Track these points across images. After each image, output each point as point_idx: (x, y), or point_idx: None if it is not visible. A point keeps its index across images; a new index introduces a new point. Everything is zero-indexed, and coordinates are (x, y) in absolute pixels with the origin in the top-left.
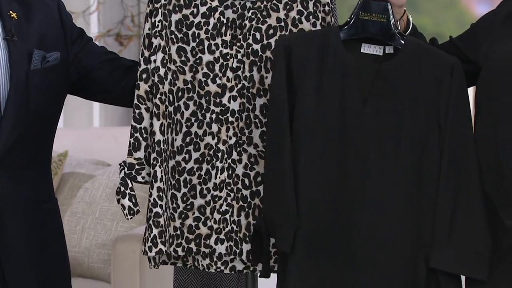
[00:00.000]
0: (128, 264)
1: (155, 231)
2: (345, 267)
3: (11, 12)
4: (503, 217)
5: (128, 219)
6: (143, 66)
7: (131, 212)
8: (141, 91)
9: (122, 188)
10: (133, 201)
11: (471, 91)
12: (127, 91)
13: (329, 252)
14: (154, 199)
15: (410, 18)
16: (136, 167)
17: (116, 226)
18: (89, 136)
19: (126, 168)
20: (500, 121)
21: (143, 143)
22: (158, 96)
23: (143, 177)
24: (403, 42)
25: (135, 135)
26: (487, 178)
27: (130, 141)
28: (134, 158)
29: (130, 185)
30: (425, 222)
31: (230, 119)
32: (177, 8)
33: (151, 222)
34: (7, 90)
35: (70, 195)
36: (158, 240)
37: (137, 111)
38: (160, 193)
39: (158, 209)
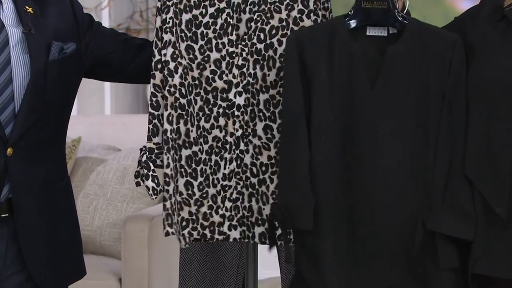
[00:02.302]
0: (137, 242)
1: (163, 214)
2: (354, 233)
3: (27, 7)
4: (493, 206)
5: (153, 198)
6: (157, 57)
7: (155, 192)
8: (156, 80)
9: (145, 171)
10: (156, 181)
11: None
12: (140, 68)
13: (341, 221)
14: (152, 186)
15: (407, 3)
16: (156, 151)
17: (126, 207)
18: (101, 123)
19: (147, 153)
20: (494, 118)
21: (161, 129)
22: (167, 88)
23: (161, 161)
24: (406, 23)
25: (154, 121)
26: (479, 170)
27: (149, 127)
28: (153, 143)
29: (152, 167)
30: (422, 188)
31: (236, 113)
32: (187, 8)
33: (162, 205)
34: (27, 80)
35: (83, 178)
36: (166, 223)
37: (154, 99)
38: (166, 179)
39: (165, 194)
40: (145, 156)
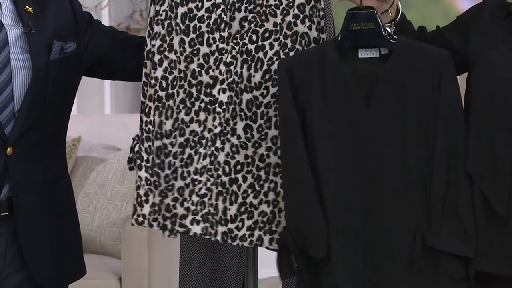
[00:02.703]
0: (137, 241)
1: (135, 201)
2: (368, 256)
3: (27, 7)
4: (494, 205)
5: (146, 189)
6: (149, 46)
7: (148, 183)
8: (148, 69)
9: (138, 161)
10: (150, 172)
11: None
12: (140, 66)
13: (351, 244)
14: (145, 176)
15: (400, 6)
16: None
17: (126, 206)
18: (101, 123)
19: (140, 142)
20: (496, 116)
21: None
22: (149, 79)
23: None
24: (394, 43)
25: (145, 110)
26: (481, 168)
27: (141, 116)
28: None
29: (145, 158)
30: (421, 203)
31: (218, 109)
32: (184, 1)
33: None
34: (27, 80)
35: (83, 177)
36: (132, 211)
37: (145, 88)
38: (149, 170)
39: (149, 185)
40: (138, 145)
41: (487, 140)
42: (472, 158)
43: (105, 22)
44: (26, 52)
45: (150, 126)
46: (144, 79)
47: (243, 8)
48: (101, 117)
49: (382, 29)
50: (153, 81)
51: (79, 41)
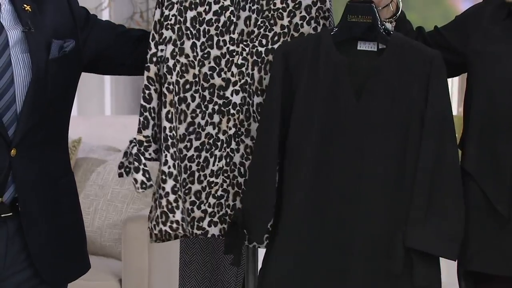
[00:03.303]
0: (137, 243)
1: (158, 212)
2: (324, 248)
3: (25, 5)
4: (495, 203)
5: (139, 192)
6: (153, 50)
7: (143, 186)
8: (151, 73)
9: (136, 164)
10: (147, 176)
11: (456, 80)
12: (139, 61)
13: (312, 235)
14: (142, 179)
15: (400, 4)
16: (145, 144)
17: (126, 208)
18: (101, 124)
19: (137, 145)
20: (497, 115)
21: (151, 122)
22: (166, 85)
23: (149, 154)
24: (389, 38)
25: (145, 114)
26: (481, 166)
27: (139, 119)
28: (143, 136)
29: (143, 161)
30: (404, 203)
31: (232, 111)
32: (192, 6)
33: (156, 202)
34: (28, 80)
35: (83, 178)
36: (159, 220)
37: (147, 91)
38: (163, 176)
39: (161, 191)
40: (135, 148)
41: (488, 139)
42: (473, 156)
43: None
44: (26, 52)
45: (174, 132)
46: (146, 82)
47: (247, 7)
48: (101, 119)
49: (379, 24)
50: (171, 87)
51: (77, 38)
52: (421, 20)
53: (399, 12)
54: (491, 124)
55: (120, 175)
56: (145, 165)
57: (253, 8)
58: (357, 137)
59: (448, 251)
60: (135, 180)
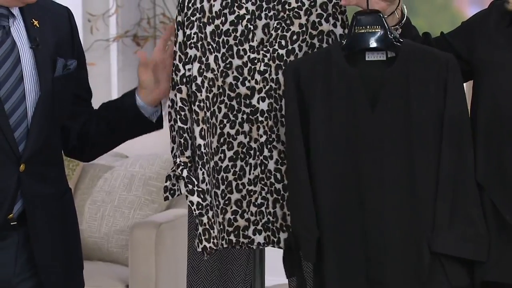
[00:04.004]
0: (144, 249)
1: (200, 229)
2: (362, 261)
3: (33, 20)
4: (504, 213)
5: (196, 214)
6: (181, 71)
7: (200, 207)
8: (183, 94)
9: (190, 186)
10: (202, 196)
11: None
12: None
13: (349, 250)
14: (197, 201)
15: (405, 10)
16: (189, 164)
17: (133, 214)
18: None
19: (185, 167)
20: (504, 124)
21: (190, 142)
22: (197, 103)
23: (192, 174)
24: (400, 46)
25: (184, 135)
26: (490, 177)
27: (180, 141)
28: (186, 157)
29: (196, 182)
30: (427, 210)
31: (260, 118)
32: (210, 20)
33: (197, 220)
34: (36, 97)
35: (90, 185)
36: (202, 237)
37: (182, 113)
38: (201, 194)
39: (201, 210)
40: (185, 171)
41: (495, 149)
42: (481, 167)
43: (113, 29)
44: (35, 69)
45: (207, 149)
46: (180, 104)
47: (263, 15)
48: None
49: (388, 33)
50: (202, 104)
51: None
52: (428, 26)
53: (404, 19)
54: (497, 134)
55: (166, 198)
56: (198, 186)
57: (269, 15)
58: (376, 148)
59: (476, 253)
60: (191, 202)
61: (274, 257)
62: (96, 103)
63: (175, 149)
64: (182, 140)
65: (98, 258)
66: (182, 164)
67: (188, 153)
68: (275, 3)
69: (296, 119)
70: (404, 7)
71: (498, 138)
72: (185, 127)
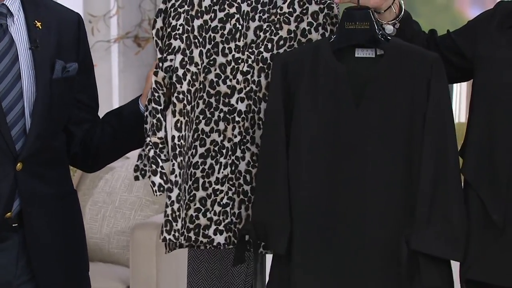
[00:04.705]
0: (145, 250)
1: (163, 220)
2: (339, 256)
3: (36, 21)
4: (491, 212)
5: (156, 195)
6: (159, 55)
7: (161, 189)
8: (159, 77)
9: (154, 166)
10: (164, 178)
11: (465, 86)
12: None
13: (325, 243)
14: (159, 182)
15: (402, 4)
16: (160, 145)
17: (134, 215)
18: None
19: (154, 147)
20: (497, 123)
21: (164, 123)
22: (175, 94)
23: (164, 155)
24: (387, 44)
25: (157, 116)
26: (480, 174)
27: (152, 121)
28: (158, 138)
29: (160, 164)
30: (409, 207)
31: (237, 118)
32: (199, 14)
33: (163, 211)
34: (33, 98)
35: (91, 186)
36: (163, 228)
37: (156, 94)
38: (170, 185)
39: (167, 200)
40: (152, 151)
41: (487, 147)
42: (472, 165)
43: (114, 30)
44: (32, 69)
45: (182, 141)
46: (154, 85)
47: (257, 17)
48: None
49: (377, 30)
50: (181, 96)
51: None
52: (428, 27)
53: (402, 13)
54: (490, 132)
55: (136, 178)
56: (162, 167)
57: (263, 17)
58: (360, 144)
59: (453, 253)
60: (153, 183)
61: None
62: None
63: (148, 130)
64: (154, 121)
65: (99, 259)
66: (151, 144)
67: (160, 134)
68: (271, 6)
69: (280, 111)
70: (402, 1)
71: (491, 136)
72: (159, 108)
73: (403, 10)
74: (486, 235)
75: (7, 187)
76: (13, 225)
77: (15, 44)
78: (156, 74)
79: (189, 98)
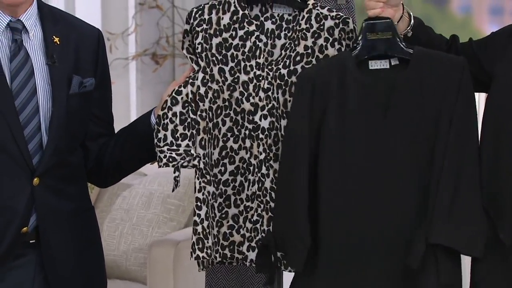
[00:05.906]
0: (162, 267)
1: (194, 238)
2: (365, 270)
3: (54, 37)
4: (498, 230)
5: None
6: (196, 68)
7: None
8: (189, 91)
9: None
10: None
11: (483, 97)
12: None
13: (352, 256)
14: (194, 208)
15: (411, 13)
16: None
17: (151, 232)
18: None
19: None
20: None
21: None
22: (199, 113)
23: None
24: (411, 52)
25: (196, 127)
26: (489, 192)
27: (193, 132)
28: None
29: (211, 173)
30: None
31: (261, 136)
32: (217, 33)
33: (192, 229)
34: (49, 114)
35: (109, 203)
36: (196, 247)
37: (193, 104)
38: (198, 203)
39: (196, 218)
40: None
41: (494, 165)
42: (482, 180)
43: (132, 47)
44: (49, 84)
45: (207, 159)
46: (191, 96)
47: (282, 35)
48: None
49: (398, 39)
50: (204, 114)
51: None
52: None
53: (412, 20)
54: (498, 152)
55: (174, 188)
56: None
57: (288, 35)
58: (388, 154)
59: (472, 248)
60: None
61: (292, 275)
62: (114, 121)
63: (168, 137)
64: (194, 132)
65: (117, 276)
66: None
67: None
68: (294, 23)
69: (304, 123)
70: (410, 11)
71: (499, 155)
72: (197, 119)
73: (412, 18)
74: (495, 252)
75: (23, 202)
76: (31, 241)
77: (31, 59)
78: (192, 85)
79: (210, 115)
